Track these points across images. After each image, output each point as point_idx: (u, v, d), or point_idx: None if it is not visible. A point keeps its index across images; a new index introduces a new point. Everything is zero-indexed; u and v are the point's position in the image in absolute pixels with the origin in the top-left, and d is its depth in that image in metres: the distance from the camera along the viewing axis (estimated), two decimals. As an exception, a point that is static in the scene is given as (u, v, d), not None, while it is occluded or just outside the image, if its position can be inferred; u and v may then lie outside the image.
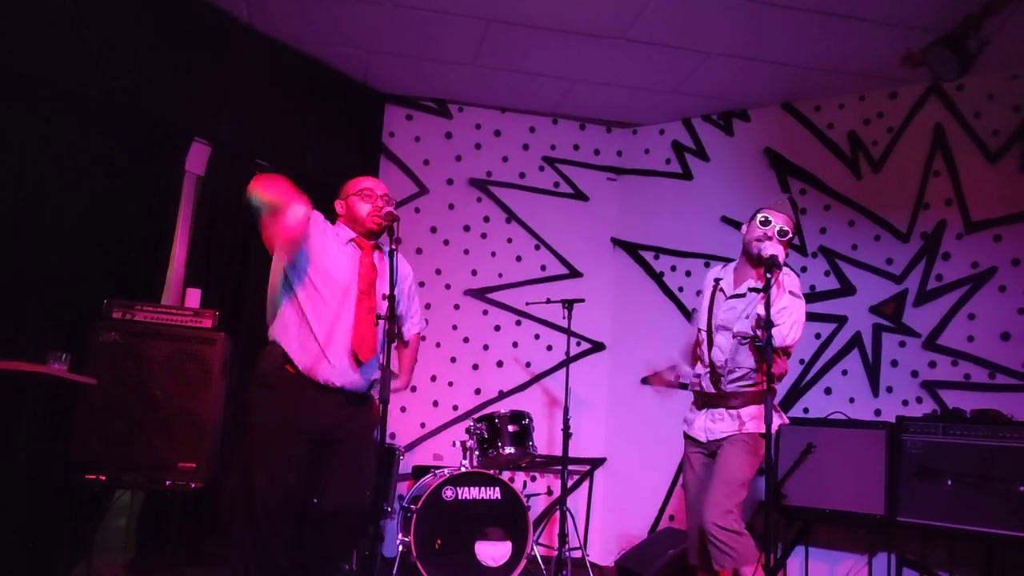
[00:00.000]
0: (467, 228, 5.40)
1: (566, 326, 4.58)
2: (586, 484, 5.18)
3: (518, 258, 5.44)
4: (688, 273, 5.27)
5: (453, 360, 5.27)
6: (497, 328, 5.35)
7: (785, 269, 3.03)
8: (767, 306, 2.85)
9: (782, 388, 4.67)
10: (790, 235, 3.13)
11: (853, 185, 4.86)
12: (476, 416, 4.39)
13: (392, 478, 4.41)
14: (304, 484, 2.83)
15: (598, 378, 5.40)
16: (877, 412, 4.54)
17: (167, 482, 3.44)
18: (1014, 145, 4.41)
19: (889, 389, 4.57)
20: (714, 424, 3.18)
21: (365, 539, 3.05)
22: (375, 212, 2.95)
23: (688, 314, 4.98)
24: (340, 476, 2.85)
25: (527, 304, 5.22)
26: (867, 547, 4.32)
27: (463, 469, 4.11)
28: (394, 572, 3.99)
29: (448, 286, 5.32)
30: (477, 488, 4.08)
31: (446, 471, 4.14)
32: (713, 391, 3.20)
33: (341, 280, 2.89)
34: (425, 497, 3.94)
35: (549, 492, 5.22)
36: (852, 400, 4.65)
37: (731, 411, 3.15)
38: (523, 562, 4.03)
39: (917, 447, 3.97)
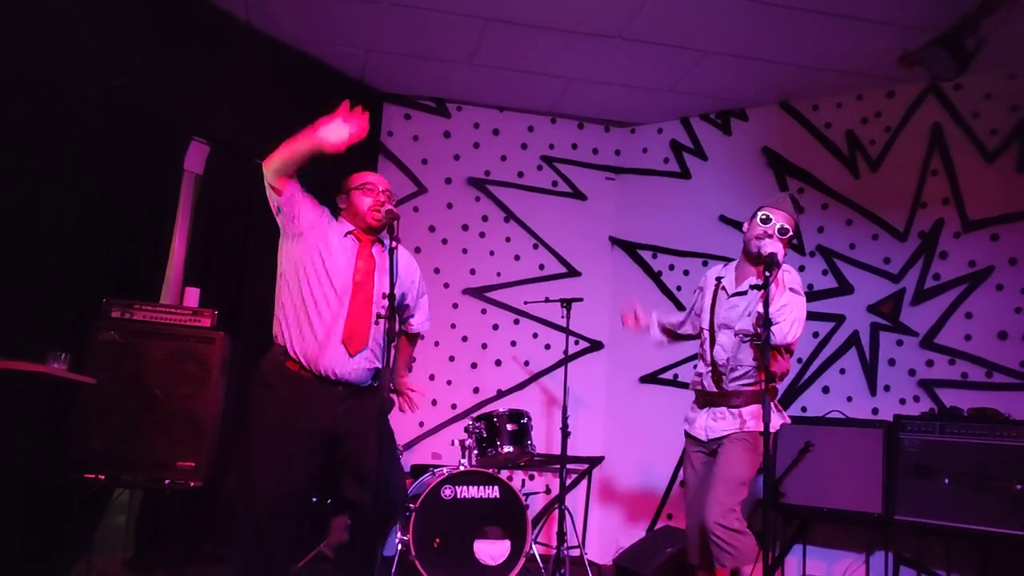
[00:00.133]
0: (465, 227, 5.41)
1: (564, 325, 4.58)
2: (584, 483, 5.19)
3: (516, 257, 5.45)
4: (686, 272, 5.28)
5: (451, 359, 5.28)
6: (495, 327, 5.36)
7: (786, 266, 3.03)
8: (766, 304, 2.86)
9: (781, 387, 4.67)
10: (790, 233, 3.13)
11: (851, 184, 4.87)
12: (475, 415, 4.40)
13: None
14: (304, 483, 2.84)
15: (596, 377, 5.40)
16: (875, 411, 4.56)
17: (166, 481, 3.46)
18: (1012, 144, 4.42)
19: (887, 388, 4.58)
20: (715, 423, 3.18)
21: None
22: (376, 207, 2.95)
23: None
24: (353, 469, 2.84)
25: (525, 303, 5.23)
26: (864, 545, 4.33)
27: (462, 468, 4.12)
28: (393, 571, 3.98)
29: (446, 285, 5.33)
30: (476, 487, 4.08)
31: (445, 470, 4.14)
32: (715, 390, 3.21)
33: (339, 271, 2.89)
34: (424, 496, 3.95)
35: (547, 491, 5.23)
36: (850, 399, 4.66)
37: (732, 410, 3.15)
38: (522, 561, 4.04)
39: (914, 446, 3.98)
